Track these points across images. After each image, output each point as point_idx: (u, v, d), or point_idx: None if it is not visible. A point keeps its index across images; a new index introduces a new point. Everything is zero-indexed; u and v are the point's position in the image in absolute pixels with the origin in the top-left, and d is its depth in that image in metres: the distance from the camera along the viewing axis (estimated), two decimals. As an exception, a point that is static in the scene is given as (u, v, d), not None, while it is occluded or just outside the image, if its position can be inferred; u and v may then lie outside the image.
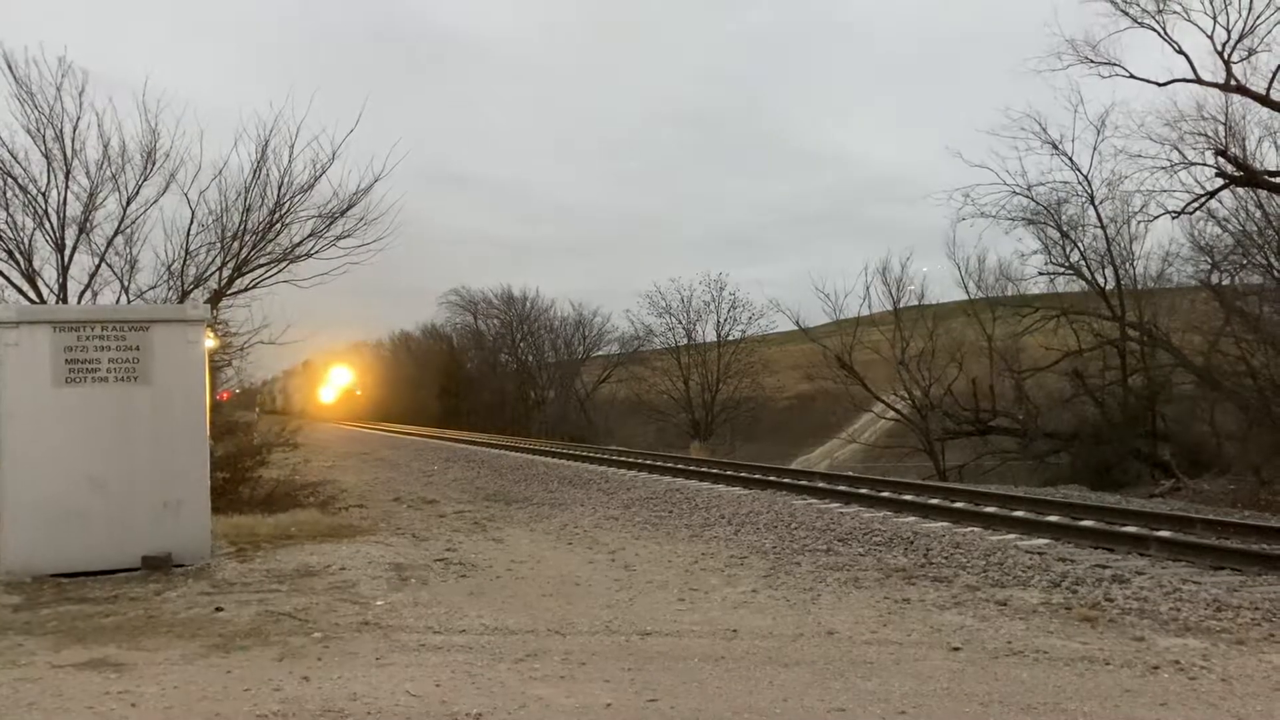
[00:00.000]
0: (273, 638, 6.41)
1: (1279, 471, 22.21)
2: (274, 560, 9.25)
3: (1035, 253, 31.37)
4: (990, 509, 12.34)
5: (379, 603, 7.51)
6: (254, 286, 15.57)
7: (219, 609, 7.24)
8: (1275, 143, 23.94)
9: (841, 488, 14.94)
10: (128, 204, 14.94)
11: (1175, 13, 23.55)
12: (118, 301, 14.84)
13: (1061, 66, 26.04)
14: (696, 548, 10.18)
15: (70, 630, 6.65)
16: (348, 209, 15.38)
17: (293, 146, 15.15)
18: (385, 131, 16.08)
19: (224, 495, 12.10)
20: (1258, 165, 23.64)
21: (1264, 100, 22.85)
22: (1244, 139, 24.03)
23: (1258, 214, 25.36)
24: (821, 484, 15.58)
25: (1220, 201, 25.30)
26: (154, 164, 14.91)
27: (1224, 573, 8.33)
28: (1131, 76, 25.23)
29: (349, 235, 15.47)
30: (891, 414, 36.76)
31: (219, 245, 15.25)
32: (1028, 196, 29.57)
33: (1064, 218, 29.84)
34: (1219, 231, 26.45)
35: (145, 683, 5.41)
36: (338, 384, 77.60)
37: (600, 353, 57.94)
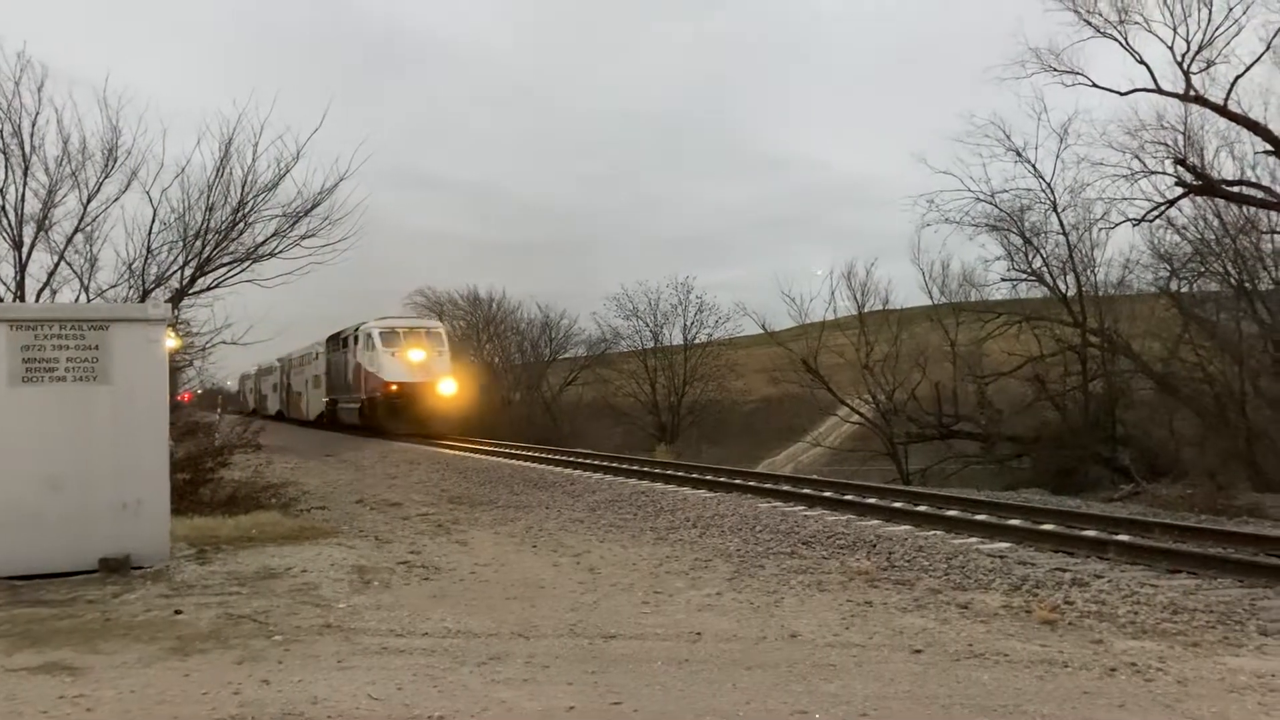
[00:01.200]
0: (232, 641, 6.34)
1: (1235, 476, 22.59)
2: (235, 562, 9.16)
3: (998, 259, 31.73)
4: (952, 512, 12.42)
5: (341, 605, 7.45)
6: (216, 286, 15.48)
7: (178, 611, 7.16)
8: (1232, 153, 24.38)
9: (806, 491, 14.99)
10: (88, 201, 14.80)
11: (1137, 23, 23.96)
12: (77, 300, 14.66)
13: (1026, 75, 26.39)
14: (661, 550, 10.19)
15: (25, 633, 6.55)
16: (312, 208, 15.33)
17: (256, 145, 15.08)
18: (350, 132, 16.04)
19: (185, 497, 11.96)
20: (1215, 175, 24.06)
21: (1221, 111, 23.25)
22: (1202, 149, 24.46)
23: (1215, 223, 25.83)
24: (786, 487, 15.63)
25: (1180, 210, 25.74)
26: (115, 161, 14.78)
27: (1180, 576, 8.45)
28: (1094, 85, 25.62)
29: (313, 235, 15.42)
30: (856, 417, 36.98)
31: (181, 244, 15.15)
32: (991, 203, 29.91)
33: (1027, 224, 30.20)
34: (1178, 239, 26.91)
35: (101, 687, 5.34)
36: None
37: (567, 355, 57.79)
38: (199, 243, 15.12)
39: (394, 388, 30.67)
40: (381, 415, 31.36)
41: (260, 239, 15.48)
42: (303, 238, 15.48)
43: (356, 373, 33.93)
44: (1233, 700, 5.09)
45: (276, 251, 15.47)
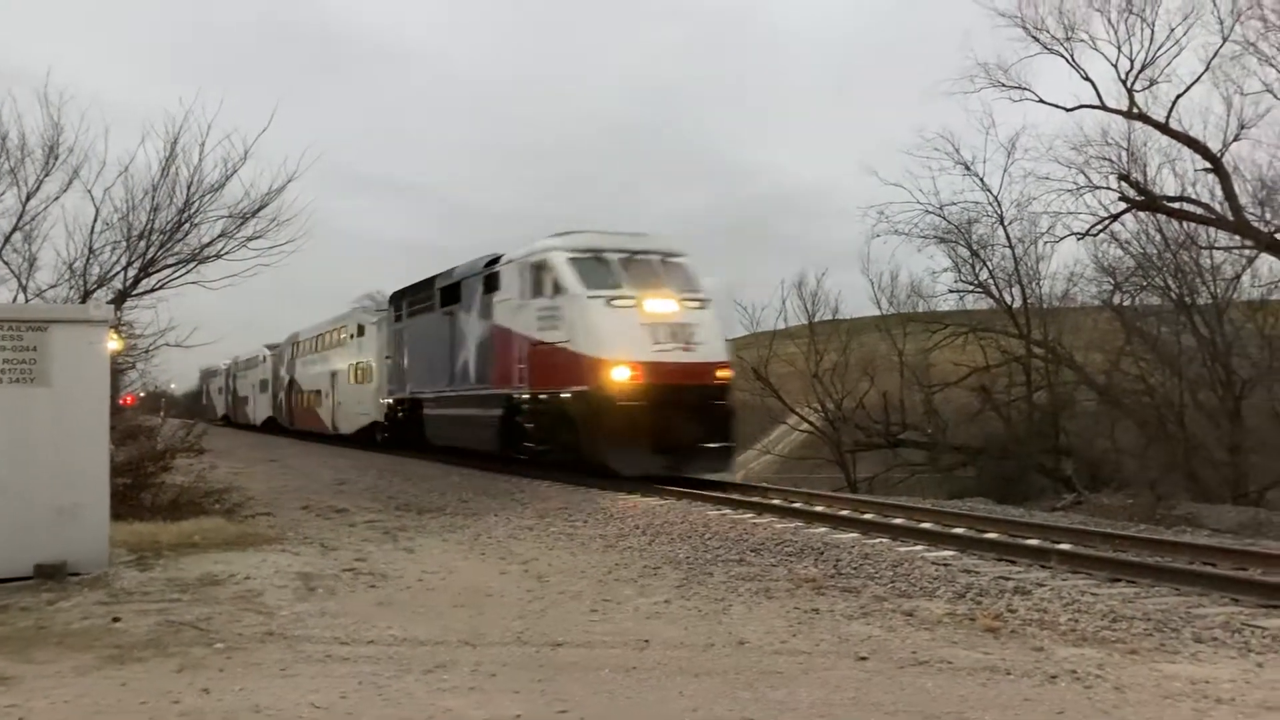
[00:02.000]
0: (172, 649, 6.23)
1: (1174, 486, 23.08)
2: (176, 569, 9.01)
3: (946, 270, 32.21)
4: (898, 520, 12.55)
5: (285, 612, 7.35)
6: (161, 287, 15.23)
7: (116, 619, 7.02)
8: (1174, 169, 24.94)
9: (755, 498, 15.05)
10: (27, 200, 14.50)
11: (1083, 40, 24.45)
12: (15, 300, 14.35)
13: (974, 89, 26.83)
14: (611, 558, 10.17)
15: (-44, 641, 6.39)
16: (260, 209, 15.14)
17: (203, 145, 14.87)
18: (300, 133, 15.85)
19: (125, 501, 11.73)
20: (1157, 191, 24.60)
21: (1163, 129, 23.80)
22: (1145, 165, 25.03)
23: (1157, 238, 26.44)
24: (735, 494, 15.68)
25: (1123, 224, 26.29)
26: (56, 159, 14.51)
27: (1120, 584, 8.59)
28: (1041, 101, 26.11)
29: (260, 236, 15.23)
30: (805, 426, 37.26)
31: (124, 244, 14.89)
32: (940, 215, 30.36)
33: (974, 237, 30.70)
34: (1121, 254, 27.47)
35: (34, 697, 5.22)
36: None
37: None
38: (143, 243, 14.87)
39: (636, 377, 15.67)
40: (612, 435, 15.75)
41: (206, 240, 15.26)
42: (249, 239, 15.28)
43: (506, 348, 18.39)
44: (1168, 706, 5.19)
45: (223, 253, 15.26)
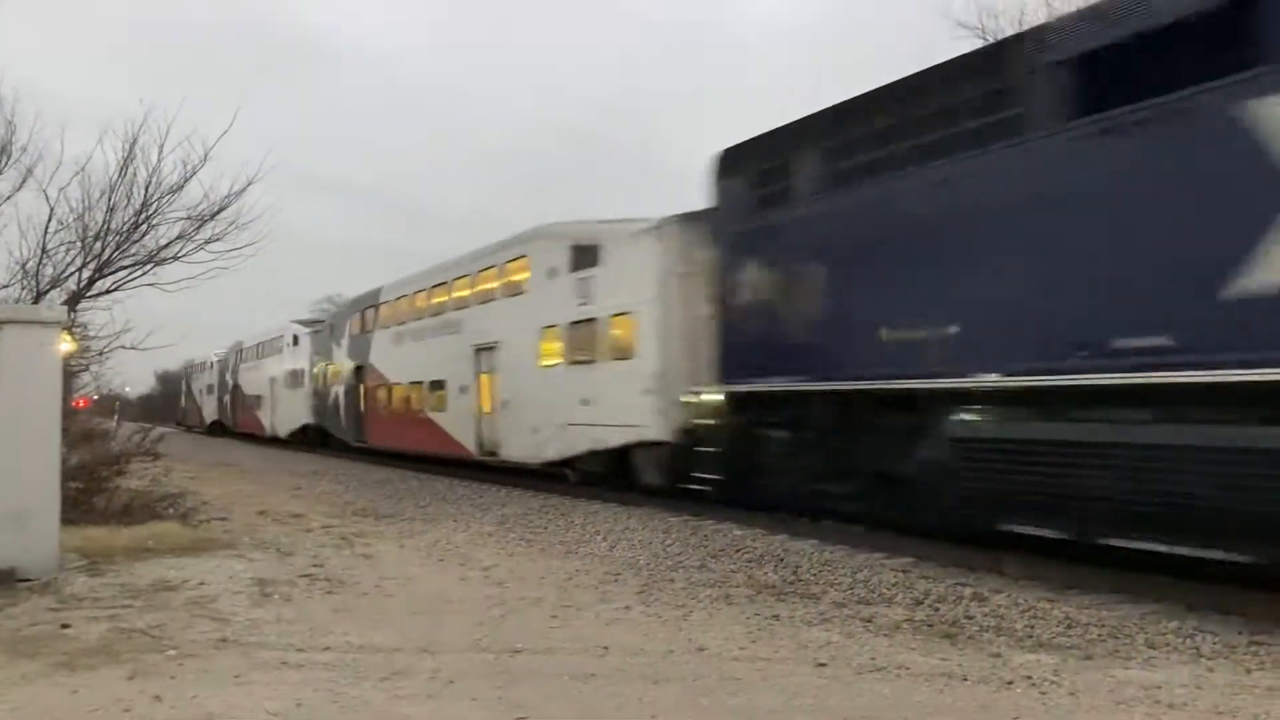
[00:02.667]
0: (124, 655, 6.13)
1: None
2: (129, 574, 8.87)
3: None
4: (858, 527, 12.59)
5: (239, 619, 7.26)
6: (116, 289, 15.04)
7: (65, 625, 6.90)
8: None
9: (717, 504, 15.03)
10: (-23, 198, 14.25)
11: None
12: (-35, 300, 14.09)
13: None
14: (571, 564, 10.15)
15: (-101, 648, 6.24)
16: (219, 211, 15.01)
17: (162, 146, 14.73)
18: (259, 135, 15.71)
19: (77, 506, 11.54)
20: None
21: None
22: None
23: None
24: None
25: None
26: (9, 157, 14.30)
27: (1075, 591, 8.68)
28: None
29: (219, 239, 15.11)
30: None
31: (80, 245, 14.68)
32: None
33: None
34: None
35: (-19, 704, 5.11)
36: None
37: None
38: (99, 244, 14.67)
39: None
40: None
41: (164, 242, 15.09)
42: (208, 242, 15.15)
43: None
44: (1121, 712, 5.25)
45: (180, 255, 15.10)
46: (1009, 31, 24.83)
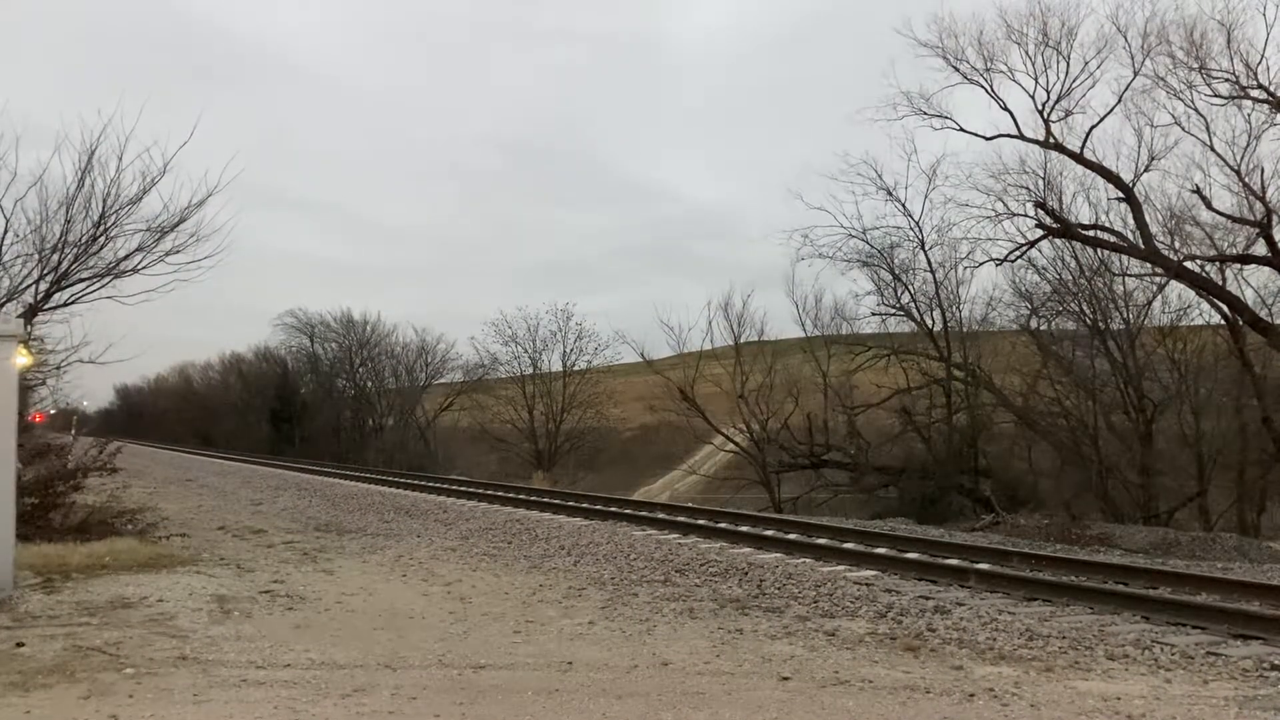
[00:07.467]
0: (79, 674, 6.03)
1: (1088, 507, 23.64)
2: (85, 591, 8.73)
3: (869, 293, 32.38)
4: (822, 540, 12.68)
5: (199, 636, 7.17)
6: (74, 302, 14.79)
7: (20, 644, 6.78)
8: (1089, 198, 25.50)
9: (681, 519, 15.09)
10: (-70, 210, 14.01)
11: (1002, 72, 24.91)
12: (-82, 313, 13.82)
13: (897, 117, 27.03)
14: (535, 579, 10.10)
15: None
16: (179, 223, 14.80)
17: (121, 157, 14.52)
18: (220, 149, 15.56)
19: (32, 522, 11.36)
20: (1072, 219, 25.28)
21: (1078, 158, 24.51)
22: (1061, 193, 25.56)
23: (1073, 264, 27.08)
24: (661, 515, 15.71)
25: (1040, 251, 26.78)
26: (-39, 168, 14.03)
27: (1036, 604, 8.78)
28: (961, 129, 26.50)
29: (179, 251, 14.88)
30: (731, 446, 37.42)
31: (37, 257, 14.43)
32: (863, 240, 30.59)
33: (896, 261, 30.99)
34: (1038, 279, 27.97)
35: (-69, 725, 5.01)
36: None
37: (443, 380, 56.95)
38: (56, 256, 14.43)
39: None
40: None
41: (123, 254, 14.87)
42: (168, 254, 14.91)
43: None
44: (1082, 723, 5.30)
45: (140, 267, 14.87)
46: (968, 50, 25.16)
